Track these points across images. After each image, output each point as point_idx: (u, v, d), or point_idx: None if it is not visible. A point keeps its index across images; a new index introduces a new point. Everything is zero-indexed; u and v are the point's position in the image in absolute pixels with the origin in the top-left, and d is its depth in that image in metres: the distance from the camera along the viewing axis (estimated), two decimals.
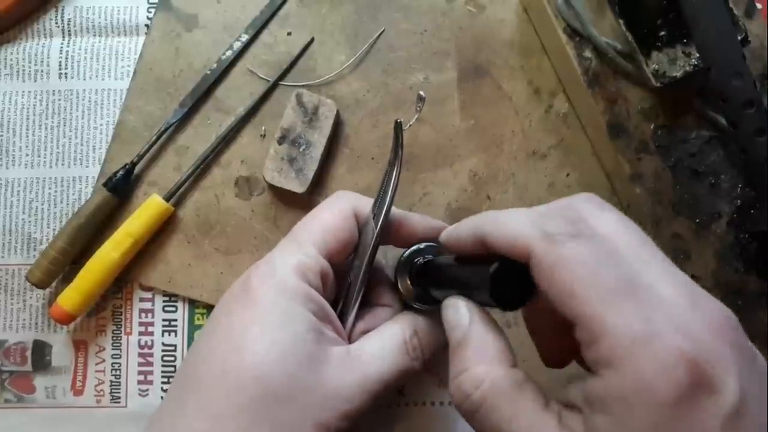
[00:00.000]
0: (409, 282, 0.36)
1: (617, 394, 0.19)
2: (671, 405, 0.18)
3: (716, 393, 0.18)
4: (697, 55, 0.39)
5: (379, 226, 0.33)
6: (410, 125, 0.33)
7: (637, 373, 0.19)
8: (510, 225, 0.24)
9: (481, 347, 0.25)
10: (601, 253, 0.21)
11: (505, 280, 0.25)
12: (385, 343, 0.32)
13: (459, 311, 0.27)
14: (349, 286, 0.34)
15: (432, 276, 0.33)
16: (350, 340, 0.33)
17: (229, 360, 0.29)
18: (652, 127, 0.42)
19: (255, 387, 0.28)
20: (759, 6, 0.43)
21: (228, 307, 0.31)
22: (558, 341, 0.28)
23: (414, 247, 0.37)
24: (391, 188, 0.33)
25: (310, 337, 0.29)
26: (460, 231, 0.28)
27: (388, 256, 0.44)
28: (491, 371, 0.24)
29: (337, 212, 0.34)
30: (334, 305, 0.33)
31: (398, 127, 0.33)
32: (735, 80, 0.36)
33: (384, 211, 0.33)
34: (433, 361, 0.34)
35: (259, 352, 0.28)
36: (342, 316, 0.34)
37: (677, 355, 0.19)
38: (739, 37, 0.37)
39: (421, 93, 0.34)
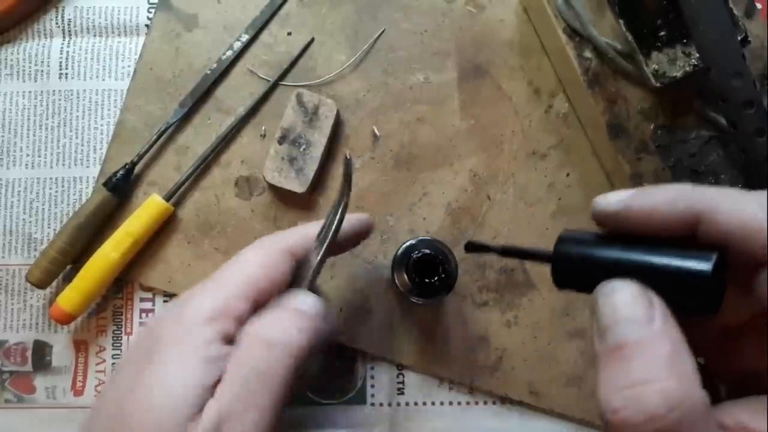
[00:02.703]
0: (405, 276, 0.38)
1: None
2: None
3: None
4: (697, 55, 0.39)
5: (318, 259, 0.32)
6: (359, 165, 0.33)
7: None
8: (752, 210, 0.19)
9: (677, 356, 0.19)
10: None
11: (717, 277, 0.20)
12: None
13: (635, 302, 0.20)
14: None
15: (568, 256, 0.24)
16: None
17: (131, 416, 0.27)
18: (652, 127, 0.42)
19: None
20: (759, 6, 0.43)
21: (134, 358, 0.29)
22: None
23: (407, 243, 0.39)
24: (334, 226, 0.32)
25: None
26: (656, 200, 0.21)
27: (388, 254, 0.44)
28: (690, 391, 0.18)
29: (265, 254, 0.31)
30: None
31: (348, 163, 0.32)
32: (735, 80, 0.36)
33: (325, 247, 0.32)
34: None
35: (162, 412, 0.26)
36: None
37: None
38: (739, 37, 0.37)
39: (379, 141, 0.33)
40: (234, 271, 0.30)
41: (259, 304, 0.29)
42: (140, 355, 0.28)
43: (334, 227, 0.32)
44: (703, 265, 0.20)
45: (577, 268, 0.23)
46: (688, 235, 0.20)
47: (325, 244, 0.32)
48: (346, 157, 0.32)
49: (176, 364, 0.27)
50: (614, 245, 0.22)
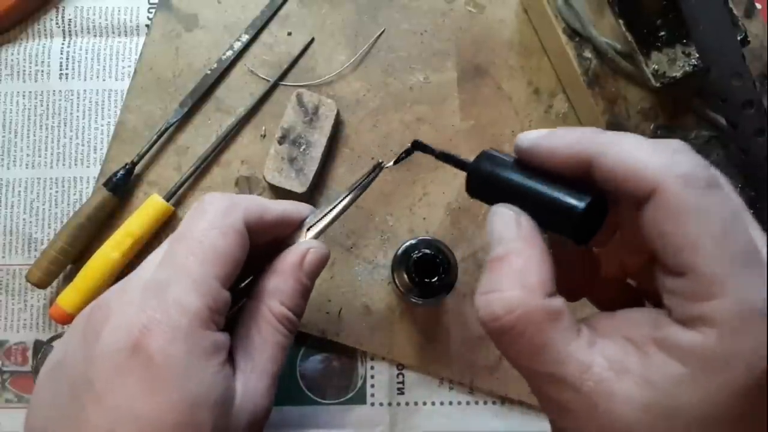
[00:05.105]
0: (406, 277, 0.38)
1: (712, 355, 0.19)
2: (758, 384, 0.19)
3: None
4: (697, 55, 0.39)
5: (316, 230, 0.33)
6: (388, 166, 0.34)
7: (742, 343, 0.19)
8: (635, 153, 0.21)
9: (522, 271, 0.23)
10: (733, 211, 0.21)
11: (590, 215, 0.23)
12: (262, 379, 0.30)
13: (508, 223, 0.24)
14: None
15: (487, 175, 0.26)
16: None
17: None
18: (652, 127, 0.42)
19: None
20: (759, 6, 0.43)
21: (116, 374, 0.26)
22: (582, 277, 0.28)
23: (407, 243, 0.40)
24: (337, 211, 0.33)
25: (225, 395, 0.27)
26: (557, 142, 0.24)
27: (388, 254, 0.44)
28: (527, 300, 0.22)
29: (230, 232, 0.29)
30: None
31: (378, 168, 0.34)
32: (735, 80, 0.36)
33: (321, 227, 0.33)
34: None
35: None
36: None
37: None
38: (739, 37, 0.37)
39: (396, 159, 0.33)
40: (204, 258, 0.28)
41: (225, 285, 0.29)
42: (126, 374, 0.26)
43: (328, 220, 0.33)
44: (577, 203, 0.23)
45: (486, 182, 0.26)
46: (583, 174, 0.23)
47: (320, 226, 0.33)
48: (379, 163, 0.34)
49: (186, 378, 0.26)
50: (521, 172, 0.25)
